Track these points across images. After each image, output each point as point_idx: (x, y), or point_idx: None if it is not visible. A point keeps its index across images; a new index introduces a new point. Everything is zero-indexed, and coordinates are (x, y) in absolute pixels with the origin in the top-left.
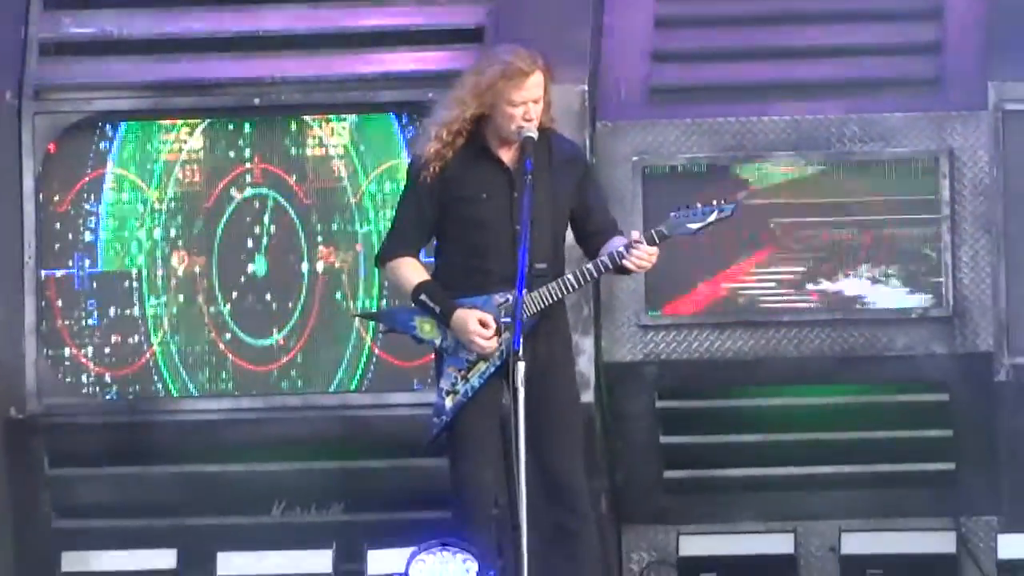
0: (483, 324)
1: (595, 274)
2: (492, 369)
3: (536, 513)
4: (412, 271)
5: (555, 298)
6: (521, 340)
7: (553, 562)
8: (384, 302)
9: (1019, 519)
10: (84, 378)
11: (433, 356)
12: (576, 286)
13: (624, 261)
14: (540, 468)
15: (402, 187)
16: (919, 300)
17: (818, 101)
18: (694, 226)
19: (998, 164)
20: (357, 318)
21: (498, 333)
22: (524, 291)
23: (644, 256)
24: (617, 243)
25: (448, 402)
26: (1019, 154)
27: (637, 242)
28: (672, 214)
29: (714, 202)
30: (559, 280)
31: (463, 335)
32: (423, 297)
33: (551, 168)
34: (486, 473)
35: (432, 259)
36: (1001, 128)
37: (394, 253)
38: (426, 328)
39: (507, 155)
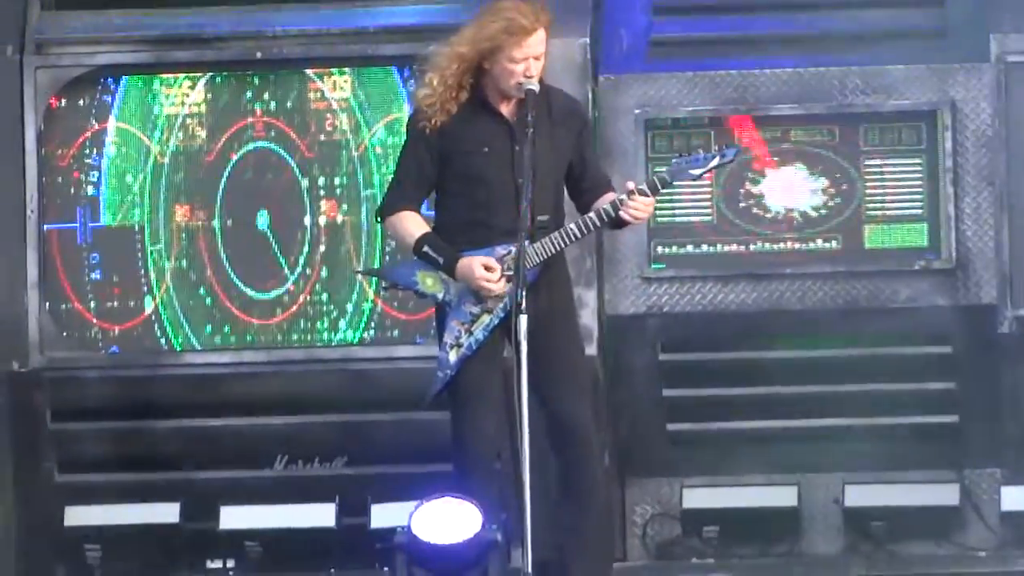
0: (488, 268)
1: (596, 224)
2: (496, 321)
3: (543, 465)
4: (413, 224)
5: (557, 248)
6: (524, 292)
7: (563, 511)
8: (387, 256)
9: (1022, 471)
10: (86, 332)
11: (434, 310)
12: (577, 236)
13: (620, 212)
14: (548, 415)
15: (403, 140)
16: (922, 252)
17: (820, 54)
18: (696, 171)
19: (1001, 116)
20: (360, 275)
21: (501, 277)
22: (527, 243)
23: (640, 207)
24: (610, 198)
25: (452, 356)
26: (1022, 107)
27: (632, 192)
28: (674, 160)
29: (715, 148)
30: (560, 230)
31: (471, 281)
32: (426, 249)
33: (551, 121)
34: (488, 425)
35: (432, 213)
36: (1004, 80)
37: (395, 207)
38: (428, 282)
39: (507, 108)
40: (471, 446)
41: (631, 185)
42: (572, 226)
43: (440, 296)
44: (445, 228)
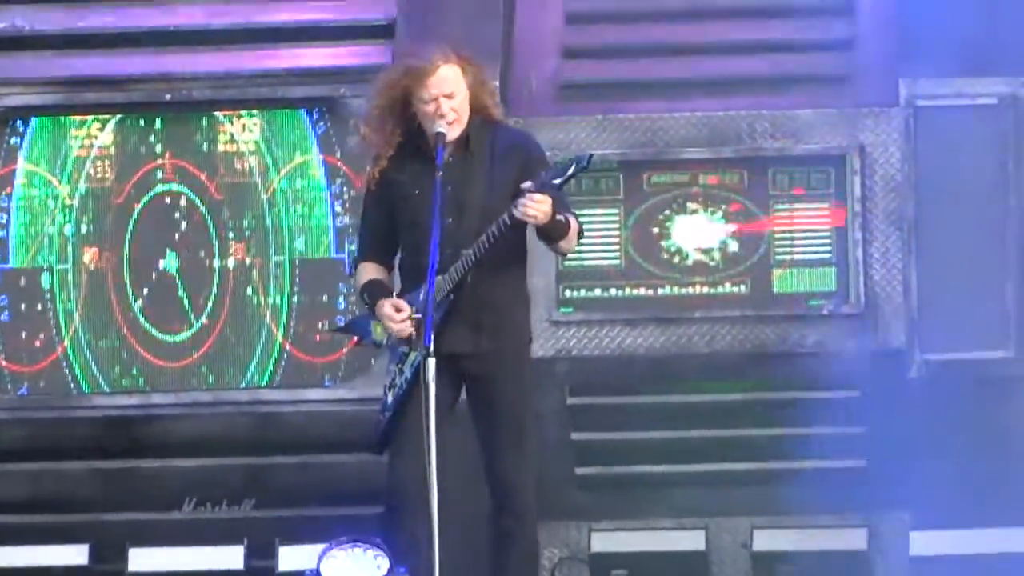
0: (397, 309)
1: (496, 235)
2: (419, 359)
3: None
4: (364, 275)
5: (462, 271)
6: (458, 330)
7: (490, 556)
8: (295, 299)
9: (930, 516)
10: None
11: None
12: (476, 256)
13: (514, 211)
14: (485, 468)
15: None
16: (830, 296)
17: (729, 97)
18: (557, 181)
19: (909, 161)
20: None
21: (422, 311)
22: (437, 276)
23: (531, 205)
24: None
25: (389, 397)
26: (930, 151)
27: (526, 191)
28: (541, 173)
29: (573, 158)
30: (464, 253)
31: (384, 323)
32: (364, 296)
33: (492, 158)
34: (412, 468)
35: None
36: (912, 125)
37: (356, 261)
38: (378, 330)
39: (444, 151)
40: (396, 488)
41: (527, 184)
42: (469, 251)
43: (384, 341)
44: (401, 274)
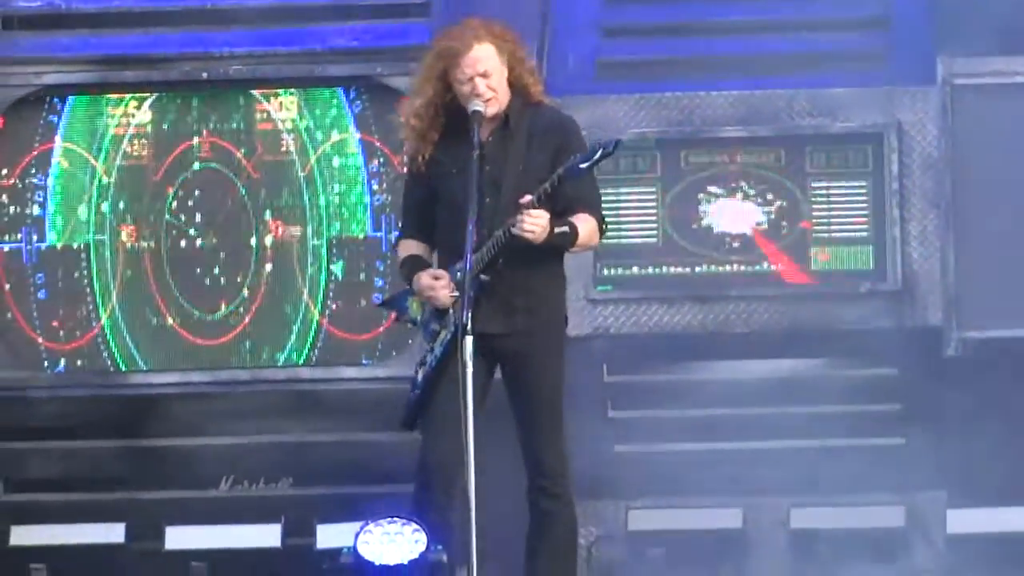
0: (435, 277)
1: (507, 237)
2: (448, 336)
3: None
4: (405, 251)
5: (491, 253)
6: (491, 311)
7: (529, 536)
8: (332, 276)
9: (968, 494)
10: (33, 352)
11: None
12: (499, 245)
13: (514, 229)
14: (522, 448)
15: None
16: (868, 274)
17: (766, 76)
18: (584, 165)
19: (947, 139)
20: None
21: (459, 289)
22: (471, 255)
23: (527, 221)
24: (581, 219)
25: (420, 375)
26: (968, 129)
27: (522, 207)
28: (569, 159)
29: (602, 142)
30: (489, 241)
31: (423, 294)
32: (404, 271)
33: (529, 139)
34: (445, 449)
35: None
36: (950, 103)
37: (399, 237)
38: (414, 307)
39: (484, 131)
40: (428, 468)
41: (526, 198)
42: (499, 231)
43: (419, 318)
44: (439, 252)
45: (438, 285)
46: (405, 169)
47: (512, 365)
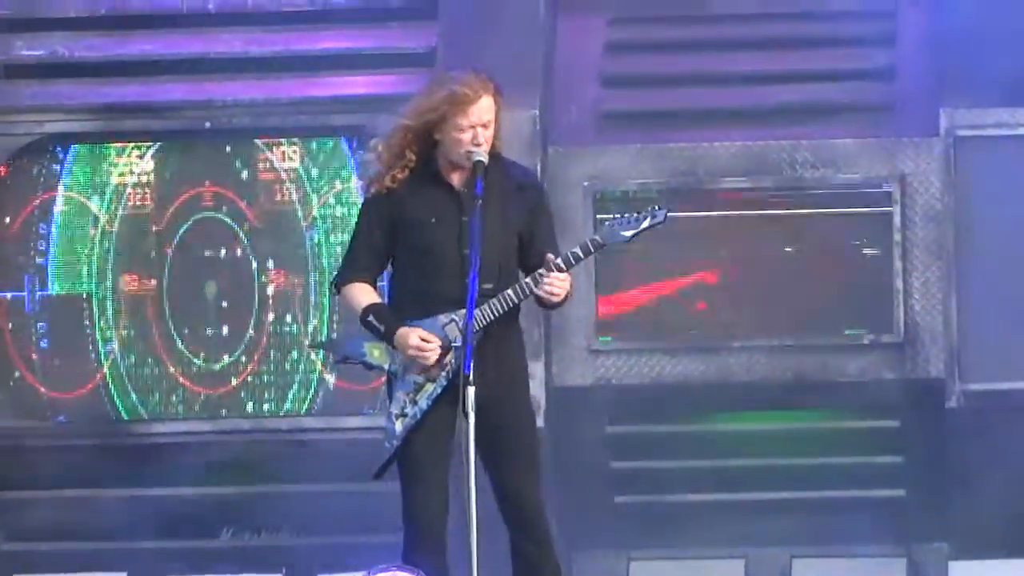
0: (424, 340)
1: (522, 294)
2: (439, 390)
3: (494, 537)
4: (362, 294)
5: (496, 313)
6: (471, 363)
7: None
8: (335, 325)
9: (969, 546)
10: (34, 401)
11: (384, 381)
12: (514, 301)
13: (536, 290)
14: (500, 495)
15: (357, 212)
16: (870, 326)
17: (769, 127)
18: (628, 233)
19: (950, 191)
20: (311, 348)
21: (444, 351)
22: (455, 310)
23: (554, 283)
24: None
25: (398, 426)
26: (970, 181)
27: (547, 268)
28: (607, 223)
29: (648, 208)
30: (500, 295)
31: (406, 352)
32: (370, 318)
33: (502, 193)
34: (436, 498)
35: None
36: (953, 155)
37: (347, 278)
38: (375, 353)
39: (457, 179)
40: (418, 518)
41: (550, 258)
42: (509, 291)
43: (386, 366)
44: (396, 298)
45: (430, 349)
46: (361, 203)
47: (485, 411)
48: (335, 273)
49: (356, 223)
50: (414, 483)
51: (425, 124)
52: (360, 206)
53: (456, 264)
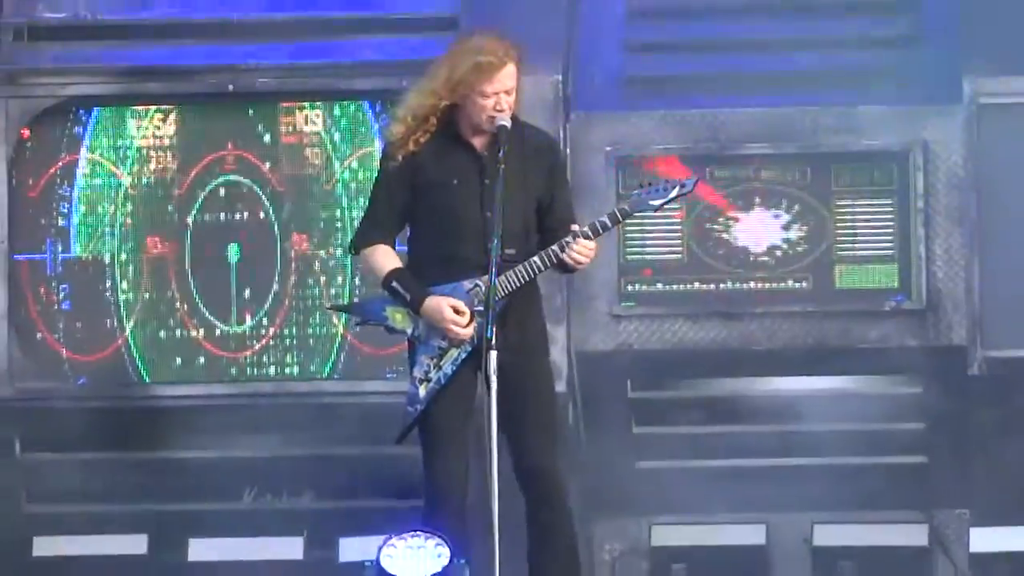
0: (456, 311)
1: (548, 262)
2: (463, 355)
3: (514, 503)
4: (385, 258)
5: (521, 281)
6: (494, 328)
7: (530, 551)
8: (357, 290)
9: (991, 512)
10: (56, 363)
11: (407, 345)
12: (541, 269)
13: (562, 255)
14: (516, 459)
15: (376, 174)
16: (893, 293)
17: (792, 93)
18: (656, 202)
19: (972, 158)
20: (331, 310)
21: (471, 319)
22: (481, 276)
23: (581, 251)
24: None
25: (421, 390)
26: (993, 148)
27: (575, 236)
28: (635, 192)
29: (676, 178)
30: (525, 263)
31: (438, 323)
32: (395, 284)
33: (523, 156)
34: (456, 464)
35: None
36: (976, 122)
37: (368, 240)
38: (398, 317)
39: (479, 142)
40: (440, 484)
41: (575, 228)
42: (536, 259)
43: (410, 331)
44: (416, 260)
45: (462, 322)
46: (380, 166)
47: (506, 377)
48: (354, 233)
49: (375, 184)
50: (435, 449)
51: (450, 90)
52: (379, 169)
53: (478, 227)
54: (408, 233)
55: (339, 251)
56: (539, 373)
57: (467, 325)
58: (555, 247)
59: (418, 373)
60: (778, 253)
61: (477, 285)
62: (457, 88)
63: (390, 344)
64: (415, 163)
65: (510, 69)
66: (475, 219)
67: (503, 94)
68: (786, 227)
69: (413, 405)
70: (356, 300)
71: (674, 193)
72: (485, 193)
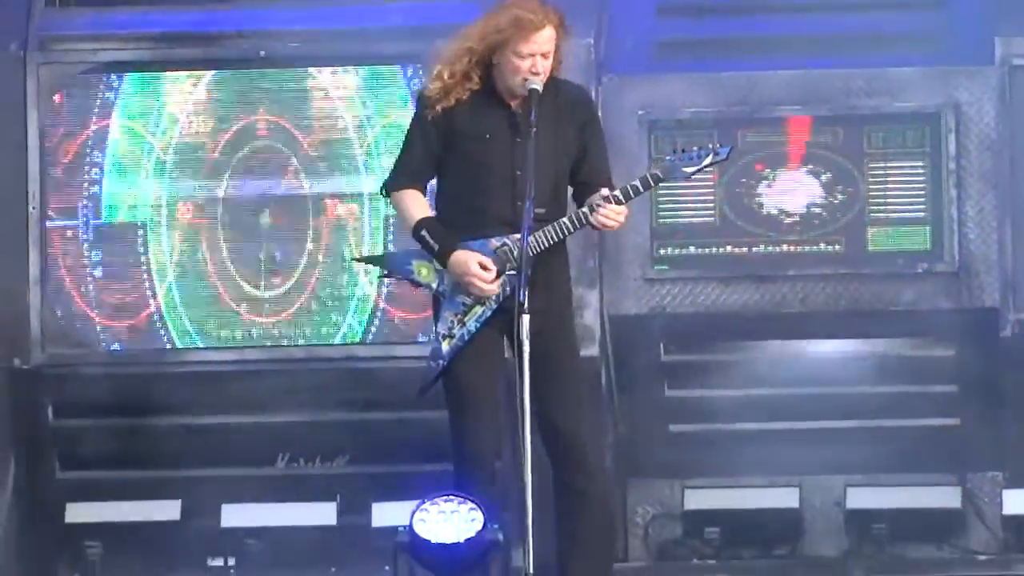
0: (483, 267)
1: (577, 223)
2: (488, 313)
3: (543, 467)
4: (416, 204)
5: (550, 241)
6: (526, 291)
7: (561, 519)
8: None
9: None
10: (88, 329)
11: (432, 300)
12: (570, 229)
13: (591, 218)
14: (544, 425)
15: (410, 122)
16: (925, 255)
17: (824, 55)
18: (689, 169)
19: (1005, 119)
20: (357, 262)
21: (498, 276)
22: (512, 235)
23: (610, 215)
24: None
25: (444, 346)
26: None
27: (605, 199)
28: (668, 158)
29: (710, 145)
30: (555, 223)
31: (463, 276)
32: (423, 233)
33: (556, 114)
34: (487, 427)
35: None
36: (1008, 83)
37: (399, 184)
38: (423, 272)
39: (515, 102)
40: (470, 448)
41: (604, 191)
42: (565, 220)
43: (434, 286)
44: (443, 210)
45: (488, 278)
46: (416, 115)
47: (535, 342)
48: (387, 176)
49: (409, 132)
50: (463, 412)
51: (487, 47)
52: (414, 116)
53: (508, 183)
54: (436, 184)
55: (371, 215)
56: (565, 338)
57: (492, 281)
58: (584, 209)
59: (442, 329)
60: (810, 216)
61: (505, 243)
62: (493, 45)
63: (422, 309)
64: (449, 116)
65: (548, 32)
66: (505, 175)
67: (539, 56)
68: (818, 190)
69: (436, 360)
70: (383, 252)
71: (708, 161)
72: (517, 150)
